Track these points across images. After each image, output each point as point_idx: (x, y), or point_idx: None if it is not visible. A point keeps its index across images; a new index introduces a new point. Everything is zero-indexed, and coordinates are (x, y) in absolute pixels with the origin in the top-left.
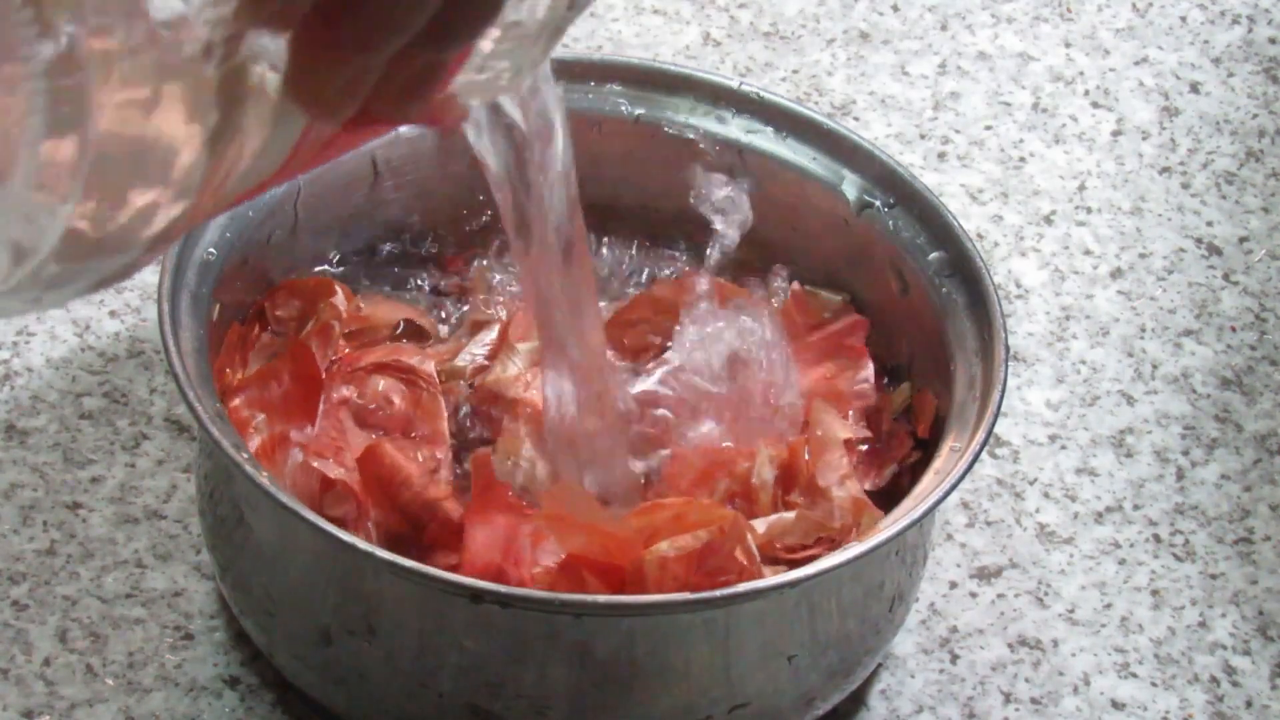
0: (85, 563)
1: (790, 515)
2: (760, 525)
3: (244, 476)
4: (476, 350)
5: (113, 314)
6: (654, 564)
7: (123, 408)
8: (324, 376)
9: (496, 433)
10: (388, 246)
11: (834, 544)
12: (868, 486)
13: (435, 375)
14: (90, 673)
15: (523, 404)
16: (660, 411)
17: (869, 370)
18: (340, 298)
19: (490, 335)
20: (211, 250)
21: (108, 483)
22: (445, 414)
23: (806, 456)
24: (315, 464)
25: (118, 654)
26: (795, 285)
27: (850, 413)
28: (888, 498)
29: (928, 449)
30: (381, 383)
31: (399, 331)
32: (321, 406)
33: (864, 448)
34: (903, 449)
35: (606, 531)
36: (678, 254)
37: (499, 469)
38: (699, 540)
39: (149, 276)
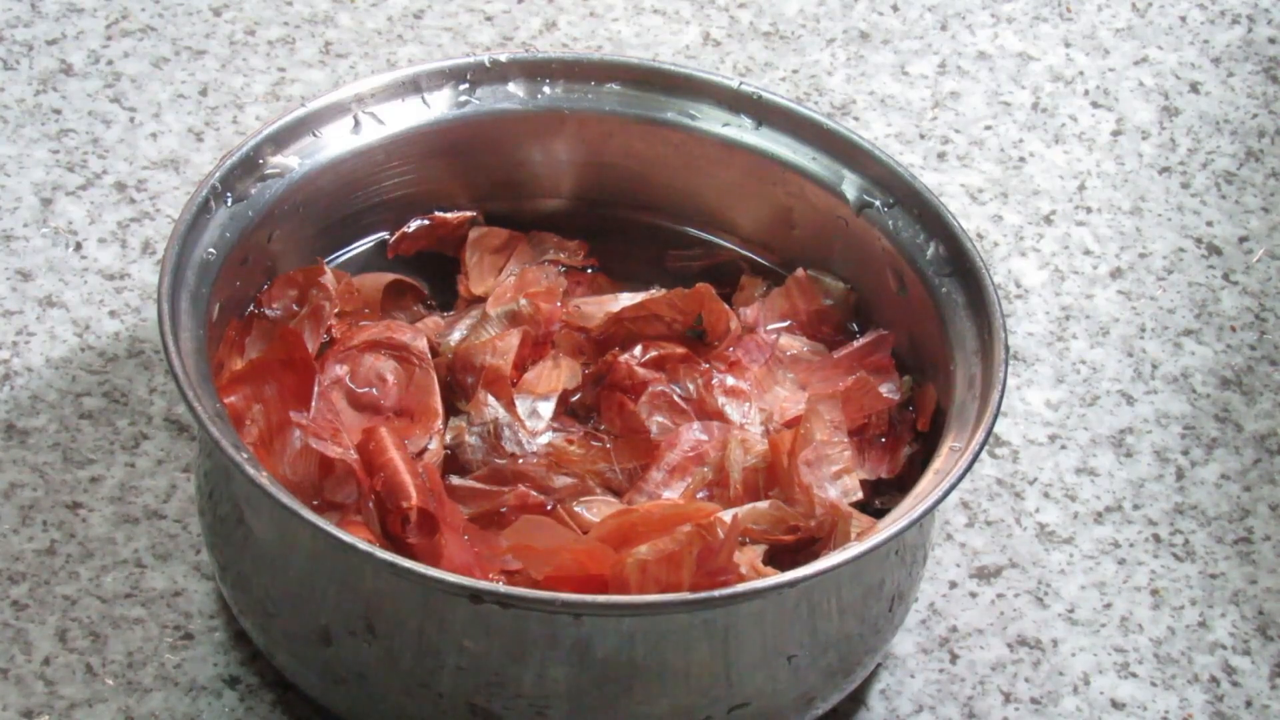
0: (85, 563)
1: (764, 504)
2: (732, 515)
3: (243, 476)
4: (466, 328)
5: (113, 314)
6: (634, 568)
7: (123, 408)
8: (318, 358)
9: (471, 399)
10: (385, 238)
11: (802, 538)
12: (882, 475)
13: (428, 352)
14: (90, 673)
15: (490, 369)
16: (658, 419)
17: (895, 380)
18: (329, 277)
19: (479, 312)
20: (211, 250)
21: (107, 483)
22: (438, 390)
23: (786, 458)
24: (314, 444)
25: (118, 654)
26: (800, 271)
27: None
28: (898, 488)
29: (927, 442)
30: (374, 361)
31: (389, 290)
32: (316, 389)
33: (882, 440)
34: (904, 441)
35: (575, 549)
36: (686, 259)
37: (469, 440)
38: (677, 542)
39: (149, 276)
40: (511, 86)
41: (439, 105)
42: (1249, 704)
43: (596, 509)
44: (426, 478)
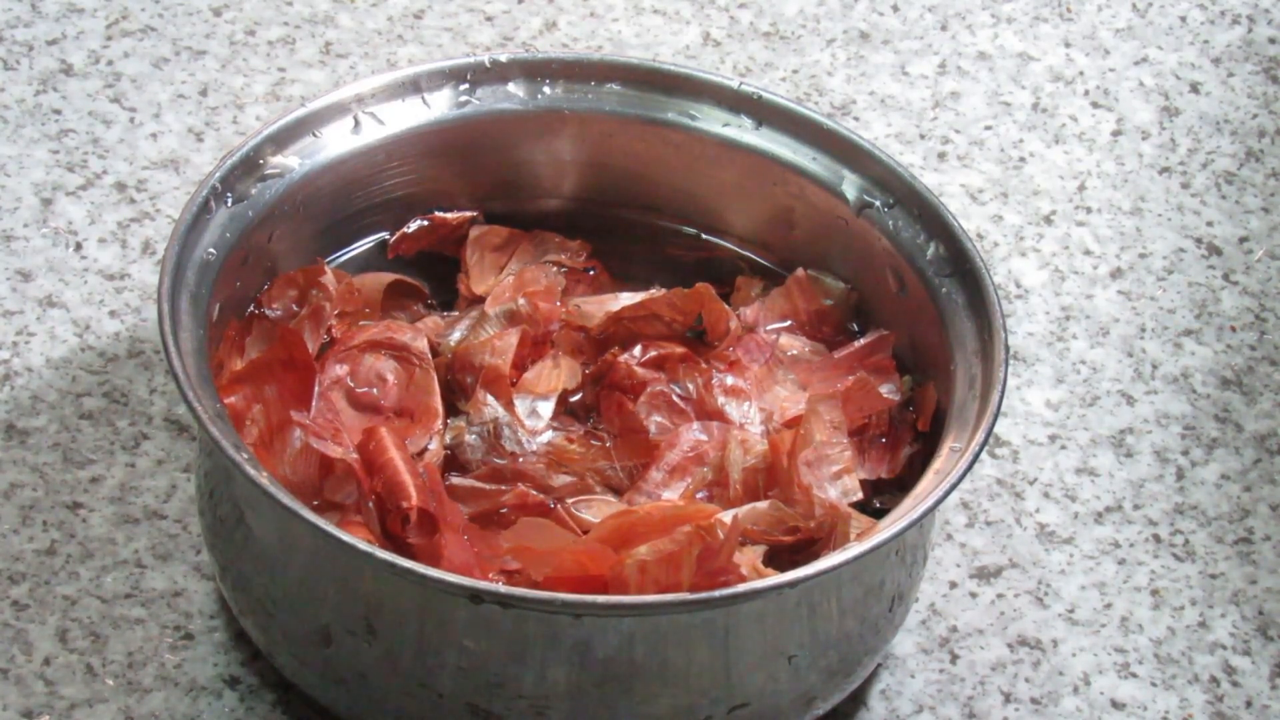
0: (85, 563)
1: (763, 505)
2: (732, 515)
3: (244, 476)
4: (465, 327)
5: (113, 314)
6: (633, 569)
7: (123, 408)
8: (318, 358)
9: (470, 399)
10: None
11: (802, 539)
12: (882, 475)
13: (428, 352)
14: (90, 673)
15: (489, 368)
16: (657, 419)
17: (895, 380)
18: (329, 277)
19: (478, 311)
20: (211, 250)
21: (108, 483)
22: (438, 390)
23: (786, 458)
24: (314, 444)
25: (118, 654)
26: (800, 271)
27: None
28: (898, 488)
29: (927, 442)
30: (374, 361)
31: (389, 290)
32: (316, 389)
33: (882, 440)
34: (904, 441)
35: (574, 550)
36: (683, 247)
37: (469, 440)
38: (676, 542)
39: (149, 276)
40: (511, 86)
41: (439, 105)
42: (1249, 704)
43: (596, 509)
44: (426, 478)
